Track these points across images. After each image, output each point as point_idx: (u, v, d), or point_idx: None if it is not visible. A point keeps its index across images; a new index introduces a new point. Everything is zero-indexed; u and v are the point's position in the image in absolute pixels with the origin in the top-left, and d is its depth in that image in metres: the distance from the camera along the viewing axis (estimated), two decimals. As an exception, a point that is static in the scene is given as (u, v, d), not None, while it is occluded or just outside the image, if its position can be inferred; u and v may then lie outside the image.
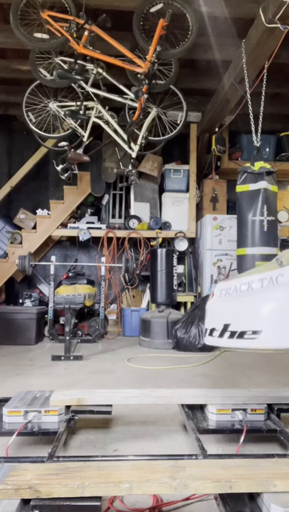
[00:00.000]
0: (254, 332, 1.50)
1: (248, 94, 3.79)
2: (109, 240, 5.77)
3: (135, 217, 5.77)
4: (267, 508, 1.23)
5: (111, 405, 2.12)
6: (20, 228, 6.03)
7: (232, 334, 1.56)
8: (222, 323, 1.60)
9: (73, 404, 2.06)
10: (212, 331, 1.64)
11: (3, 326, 4.80)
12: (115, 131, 4.74)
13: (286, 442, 1.87)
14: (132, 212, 5.85)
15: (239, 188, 3.41)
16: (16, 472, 1.30)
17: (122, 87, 4.43)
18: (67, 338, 3.97)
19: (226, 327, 1.58)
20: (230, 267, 5.18)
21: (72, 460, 1.60)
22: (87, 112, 4.67)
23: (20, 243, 5.64)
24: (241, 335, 1.53)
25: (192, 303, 5.51)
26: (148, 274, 5.55)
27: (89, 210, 6.08)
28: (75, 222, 5.90)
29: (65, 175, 5.08)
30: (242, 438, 1.83)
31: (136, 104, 4.32)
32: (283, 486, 1.26)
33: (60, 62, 4.27)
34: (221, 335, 1.59)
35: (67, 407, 2.06)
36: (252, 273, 1.85)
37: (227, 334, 1.57)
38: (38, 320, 4.90)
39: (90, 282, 5.50)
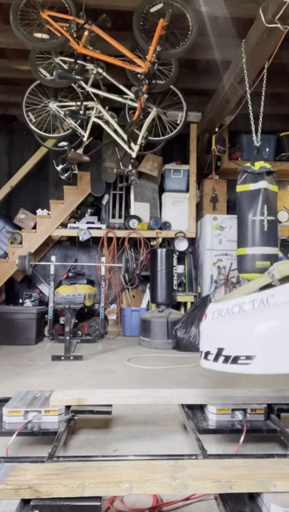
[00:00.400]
0: (248, 357, 1.50)
1: (248, 94, 3.79)
2: (109, 239, 5.77)
3: (135, 217, 5.77)
4: (267, 508, 1.23)
5: (111, 405, 2.12)
6: (20, 228, 6.03)
7: (226, 359, 1.56)
8: (216, 347, 1.59)
9: (73, 404, 2.06)
10: (207, 354, 1.64)
11: (3, 326, 4.80)
12: (115, 131, 4.74)
13: (286, 442, 1.87)
14: (132, 212, 5.84)
15: (239, 188, 3.41)
16: (16, 472, 1.30)
17: (122, 87, 4.43)
18: (67, 338, 3.97)
19: (220, 351, 1.58)
20: (230, 267, 5.17)
21: (72, 460, 1.60)
22: (87, 112, 4.67)
23: (21, 243, 5.64)
24: (235, 360, 1.53)
25: (192, 303, 5.51)
26: (148, 274, 5.55)
27: (89, 210, 6.08)
28: (75, 222, 5.90)
29: (65, 175, 5.08)
30: (242, 438, 1.83)
31: (136, 104, 4.32)
32: (283, 486, 1.26)
33: (60, 62, 4.27)
34: (216, 359, 1.58)
35: (67, 407, 2.06)
36: (244, 290, 1.85)
37: (221, 359, 1.57)
38: (38, 320, 4.90)
39: (90, 282, 5.50)
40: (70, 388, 2.64)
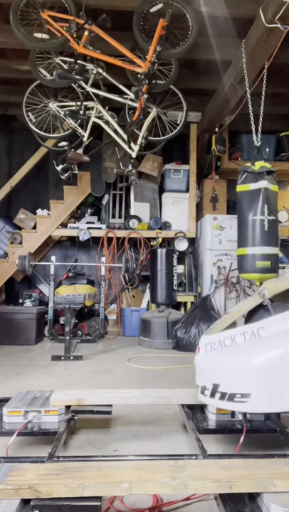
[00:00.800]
0: (243, 395, 1.48)
1: (248, 94, 3.79)
2: (109, 239, 5.77)
3: (135, 217, 5.77)
4: (267, 507, 1.23)
5: (111, 405, 2.13)
6: (20, 228, 6.03)
7: (222, 396, 1.55)
8: (211, 383, 1.58)
9: (73, 404, 2.06)
10: (203, 389, 1.62)
11: (3, 326, 4.79)
12: (115, 131, 4.74)
13: (286, 442, 1.87)
14: (132, 212, 5.84)
15: (239, 188, 3.40)
16: (16, 472, 1.30)
17: (122, 87, 4.43)
18: (67, 338, 3.97)
19: (215, 387, 1.56)
20: (230, 267, 5.17)
21: (72, 460, 1.60)
22: (87, 112, 4.67)
23: (21, 243, 5.64)
24: (231, 397, 1.51)
25: (192, 303, 5.51)
26: (148, 274, 5.55)
27: (89, 210, 6.08)
28: (75, 222, 5.90)
29: (65, 175, 5.08)
30: (242, 438, 1.83)
31: (136, 104, 4.32)
32: (283, 486, 1.26)
33: (60, 62, 4.27)
34: (212, 395, 1.57)
35: (68, 407, 2.06)
36: (236, 314, 1.84)
37: (218, 395, 1.56)
38: (38, 320, 4.90)
39: (90, 282, 5.50)
40: (70, 388, 2.64)
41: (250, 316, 1.97)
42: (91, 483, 1.23)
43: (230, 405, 1.52)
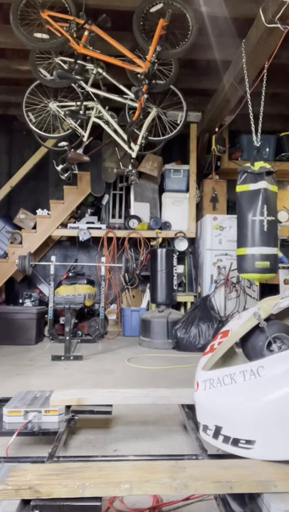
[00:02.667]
0: (248, 441, 1.42)
1: (248, 94, 3.79)
2: (109, 239, 5.77)
3: (135, 217, 5.77)
4: (267, 507, 1.23)
5: (111, 405, 2.13)
6: (20, 228, 6.03)
7: (226, 439, 1.48)
8: (213, 424, 1.52)
9: (73, 404, 2.06)
10: (205, 428, 1.57)
11: (3, 326, 4.80)
12: (115, 131, 4.74)
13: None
14: (132, 212, 5.84)
15: (239, 188, 3.40)
16: (16, 472, 1.30)
17: (122, 87, 4.43)
18: (67, 338, 3.97)
19: (218, 429, 1.50)
20: (230, 267, 5.17)
21: (72, 460, 1.60)
22: (87, 112, 4.67)
23: (21, 243, 5.64)
24: (235, 442, 1.45)
25: (192, 303, 5.51)
26: (148, 274, 5.55)
27: (89, 210, 6.08)
28: (75, 222, 5.90)
29: (65, 175, 5.08)
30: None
31: (136, 104, 4.32)
32: (284, 487, 1.26)
33: (60, 62, 4.27)
34: (215, 436, 1.51)
35: (68, 407, 2.06)
36: (232, 339, 1.81)
37: (221, 438, 1.49)
38: (38, 320, 4.90)
39: (90, 282, 5.50)
40: (70, 388, 2.64)
41: (246, 338, 1.90)
42: (91, 483, 1.23)
43: (234, 450, 1.45)
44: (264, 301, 1.83)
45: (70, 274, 5.58)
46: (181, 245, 5.73)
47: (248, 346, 1.89)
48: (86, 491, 1.22)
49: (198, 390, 1.64)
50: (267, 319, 1.79)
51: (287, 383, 1.42)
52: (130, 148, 4.68)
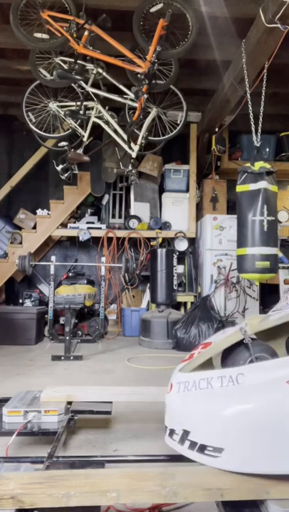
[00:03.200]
0: (216, 449, 1.33)
1: (248, 94, 3.79)
2: (109, 239, 5.77)
3: (135, 217, 5.77)
4: (267, 507, 1.23)
5: (111, 405, 2.12)
6: (20, 228, 6.03)
7: (192, 445, 1.39)
8: (181, 428, 1.44)
9: (63, 400, 2.05)
10: (172, 432, 1.49)
11: (3, 326, 4.79)
12: (115, 131, 4.74)
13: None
14: (132, 212, 5.84)
15: (239, 188, 3.41)
16: (-2, 481, 1.25)
17: (122, 87, 4.43)
18: (67, 338, 3.97)
19: (185, 434, 1.42)
20: (230, 267, 5.17)
21: (72, 460, 1.60)
22: (87, 112, 4.67)
23: (21, 243, 5.64)
24: (202, 449, 1.36)
25: (192, 303, 5.51)
26: (148, 274, 5.55)
27: (89, 210, 6.08)
28: (75, 222, 5.90)
29: (65, 175, 5.08)
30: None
31: (136, 104, 4.32)
32: (276, 494, 1.24)
33: (60, 62, 4.27)
34: (182, 441, 1.43)
35: (67, 408, 2.06)
36: (215, 348, 1.78)
37: (187, 443, 1.41)
38: (38, 320, 4.90)
39: (90, 282, 5.50)
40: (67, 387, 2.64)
41: (229, 352, 1.85)
42: (77, 492, 1.19)
43: (199, 457, 1.36)
44: (252, 317, 1.79)
45: (70, 274, 5.58)
46: (181, 245, 5.73)
47: (229, 362, 1.83)
48: (71, 500, 1.18)
49: (171, 391, 1.57)
50: (251, 338, 1.76)
51: (265, 394, 1.35)
52: (130, 148, 4.68)
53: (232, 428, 1.33)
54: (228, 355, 1.84)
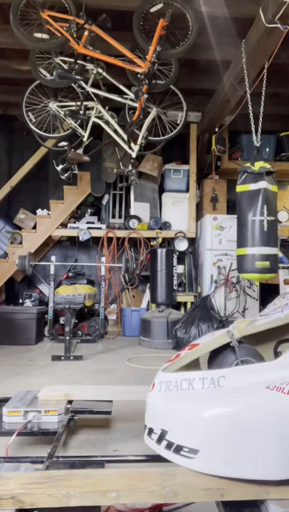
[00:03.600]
0: (191, 450, 1.32)
1: (248, 94, 3.79)
2: (109, 239, 5.77)
3: (135, 217, 5.77)
4: (266, 508, 1.23)
5: (111, 405, 2.12)
6: (20, 228, 6.03)
7: (169, 445, 1.38)
8: (160, 428, 1.43)
9: (61, 399, 2.06)
10: (150, 431, 1.48)
11: (3, 326, 4.79)
12: (115, 131, 4.74)
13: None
14: (132, 212, 5.84)
15: (239, 188, 3.41)
16: (-2, 481, 1.25)
17: (122, 87, 4.43)
18: (67, 338, 3.98)
19: (163, 433, 1.41)
20: (230, 267, 5.17)
21: (72, 460, 1.60)
22: (87, 112, 4.67)
23: (21, 243, 5.64)
24: (178, 450, 1.35)
25: (192, 303, 5.51)
26: (148, 274, 5.55)
27: (89, 210, 6.08)
28: (75, 222, 5.90)
29: (65, 175, 5.07)
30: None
31: (136, 104, 4.32)
32: (276, 494, 1.24)
33: (60, 62, 4.26)
34: (159, 441, 1.42)
35: (67, 408, 2.06)
36: (202, 349, 1.78)
37: (164, 443, 1.40)
38: (38, 320, 4.90)
39: (90, 282, 5.50)
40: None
41: (216, 354, 1.86)
42: (77, 492, 1.19)
43: (175, 458, 1.36)
44: (241, 321, 1.79)
45: (70, 274, 5.58)
46: (181, 245, 5.72)
47: (215, 365, 1.82)
48: (71, 500, 1.18)
49: (152, 390, 1.57)
50: (239, 342, 1.73)
51: (245, 399, 1.34)
52: (130, 148, 4.68)
53: (209, 430, 1.32)
54: (215, 357, 1.84)
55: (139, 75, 4.09)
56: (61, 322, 5.18)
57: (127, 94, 4.44)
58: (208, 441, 1.32)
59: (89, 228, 5.66)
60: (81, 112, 4.55)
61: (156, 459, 1.69)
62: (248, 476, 1.26)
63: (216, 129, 5.53)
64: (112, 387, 2.27)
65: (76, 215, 6.09)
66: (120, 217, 6.03)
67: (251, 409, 1.31)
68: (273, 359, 1.79)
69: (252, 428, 1.28)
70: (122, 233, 5.71)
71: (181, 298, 5.56)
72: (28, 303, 5.44)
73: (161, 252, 5.17)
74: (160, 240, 5.62)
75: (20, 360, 3.92)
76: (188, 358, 1.71)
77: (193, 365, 1.77)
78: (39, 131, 4.88)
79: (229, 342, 1.72)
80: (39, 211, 5.79)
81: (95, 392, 2.15)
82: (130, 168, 4.80)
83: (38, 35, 3.95)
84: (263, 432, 1.27)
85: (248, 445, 1.27)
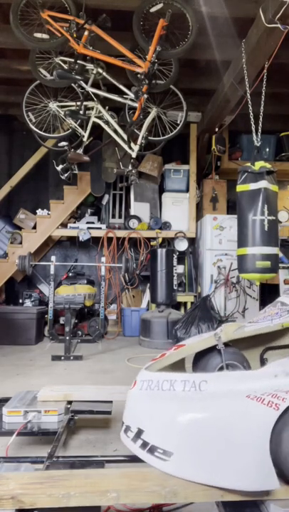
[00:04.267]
0: (165, 452, 1.31)
1: (248, 94, 3.79)
2: (109, 239, 5.77)
3: (135, 217, 5.77)
4: (267, 508, 1.23)
5: (111, 405, 2.12)
6: (20, 228, 6.02)
7: (144, 444, 1.37)
8: (136, 426, 1.42)
9: (60, 399, 2.06)
10: (127, 429, 1.47)
11: (3, 326, 4.79)
12: (115, 131, 4.73)
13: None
14: (132, 212, 5.84)
15: (239, 188, 3.40)
16: (-2, 481, 1.25)
17: (122, 87, 4.42)
18: (67, 338, 3.97)
19: (139, 432, 1.40)
20: (230, 267, 5.17)
21: (72, 460, 1.59)
22: (87, 112, 4.67)
23: (21, 243, 5.64)
24: (152, 450, 1.34)
25: (192, 303, 5.51)
26: (148, 274, 5.55)
27: (89, 210, 6.08)
28: (75, 222, 5.90)
29: (65, 175, 5.07)
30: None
31: (136, 104, 4.32)
32: (276, 494, 1.24)
33: (60, 62, 4.26)
34: (135, 439, 1.41)
35: (67, 407, 2.06)
36: (187, 350, 1.77)
37: (140, 442, 1.38)
38: (38, 320, 4.89)
39: (90, 282, 5.50)
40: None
41: (200, 358, 1.88)
42: (77, 492, 1.19)
43: (149, 458, 1.34)
44: (228, 325, 1.80)
45: (70, 274, 5.58)
46: (181, 245, 5.72)
47: (200, 366, 1.83)
48: (71, 500, 1.18)
49: (133, 388, 1.57)
50: (226, 345, 1.74)
51: (225, 405, 1.33)
52: (130, 148, 4.68)
53: (186, 434, 1.30)
54: (201, 359, 1.84)
55: (139, 75, 4.09)
56: (61, 322, 5.18)
57: (127, 94, 4.44)
58: (183, 445, 1.30)
59: (89, 228, 5.66)
60: (81, 112, 4.55)
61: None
62: (220, 485, 1.23)
63: (216, 129, 5.52)
64: (112, 387, 2.27)
65: (76, 215, 6.09)
66: (120, 217, 6.03)
67: (230, 417, 1.29)
68: (259, 365, 1.79)
69: (229, 436, 1.25)
70: (122, 233, 5.71)
71: (181, 298, 5.55)
72: (28, 303, 5.44)
73: (161, 252, 5.17)
74: (160, 239, 5.62)
75: (20, 360, 3.92)
76: (173, 358, 1.72)
77: (179, 365, 1.78)
78: (39, 131, 4.88)
79: (216, 345, 1.72)
80: (39, 211, 5.79)
81: (94, 392, 2.15)
82: (130, 168, 4.80)
83: (38, 35, 3.95)
84: (239, 442, 1.24)
85: (224, 453, 1.24)
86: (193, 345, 1.80)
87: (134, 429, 1.43)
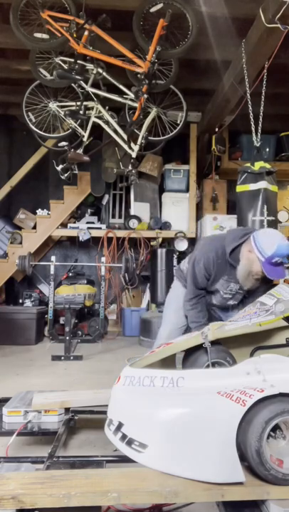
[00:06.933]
0: (140, 444, 1.36)
1: (248, 94, 3.79)
2: (109, 240, 5.76)
3: (135, 217, 5.77)
4: (267, 507, 1.23)
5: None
6: (20, 228, 6.02)
7: (123, 437, 1.43)
8: (118, 419, 1.48)
9: (56, 407, 2.01)
10: (110, 422, 1.53)
11: (3, 326, 4.79)
12: (115, 131, 4.73)
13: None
14: (132, 212, 5.84)
15: (239, 188, 3.40)
16: (-1, 481, 1.25)
17: (122, 87, 4.42)
18: (67, 338, 3.98)
19: (120, 425, 1.46)
20: (230, 267, 5.16)
21: (72, 460, 1.60)
22: (87, 112, 4.66)
23: (21, 243, 5.64)
24: (130, 442, 1.40)
25: (192, 303, 5.49)
26: (148, 274, 5.55)
27: (89, 210, 6.08)
28: (75, 222, 5.90)
29: (65, 175, 5.07)
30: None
31: (136, 104, 4.32)
32: (276, 494, 1.24)
33: (60, 62, 4.26)
34: (116, 432, 1.47)
35: (67, 408, 2.05)
36: (174, 348, 1.82)
37: (119, 435, 1.44)
38: (38, 320, 4.90)
39: (90, 282, 5.50)
40: (69, 388, 2.64)
41: (188, 356, 1.94)
42: (77, 492, 1.19)
43: (127, 450, 1.40)
44: (214, 324, 1.83)
45: (70, 274, 5.58)
46: (181, 245, 5.72)
47: (187, 365, 1.89)
48: (72, 500, 1.18)
49: (117, 383, 1.63)
50: (213, 343, 1.78)
51: (197, 401, 1.37)
52: (130, 148, 4.68)
53: (159, 427, 1.36)
54: (189, 357, 1.89)
55: (139, 75, 4.09)
56: (61, 322, 5.18)
57: (127, 94, 4.44)
58: (157, 438, 1.35)
59: (89, 228, 5.66)
60: (81, 112, 4.55)
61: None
62: (190, 476, 1.27)
63: (216, 129, 5.52)
64: (109, 390, 2.25)
65: (76, 215, 6.09)
66: (120, 217, 6.03)
67: (201, 412, 1.34)
68: None
69: (199, 430, 1.30)
70: (122, 233, 5.70)
71: (181, 298, 5.54)
72: (28, 303, 5.44)
73: (161, 252, 5.17)
74: (160, 240, 5.62)
75: (20, 360, 3.92)
76: (159, 356, 1.77)
77: (169, 362, 1.81)
78: (39, 131, 4.87)
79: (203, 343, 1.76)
80: (39, 211, 5.78)
81: (92, 396, 2.13)
82: (130, 168, 4.80)
83: (38, 35, 3.95)
84: (208, 436, 1.29)
85: (194, 446, 1.29)
86: (181, 343, 1.87)
87: (116, 422, 1.49)
